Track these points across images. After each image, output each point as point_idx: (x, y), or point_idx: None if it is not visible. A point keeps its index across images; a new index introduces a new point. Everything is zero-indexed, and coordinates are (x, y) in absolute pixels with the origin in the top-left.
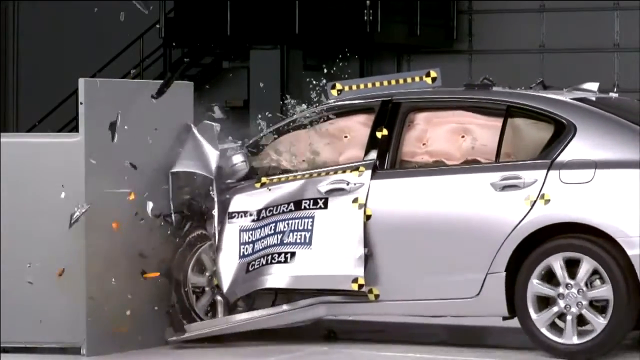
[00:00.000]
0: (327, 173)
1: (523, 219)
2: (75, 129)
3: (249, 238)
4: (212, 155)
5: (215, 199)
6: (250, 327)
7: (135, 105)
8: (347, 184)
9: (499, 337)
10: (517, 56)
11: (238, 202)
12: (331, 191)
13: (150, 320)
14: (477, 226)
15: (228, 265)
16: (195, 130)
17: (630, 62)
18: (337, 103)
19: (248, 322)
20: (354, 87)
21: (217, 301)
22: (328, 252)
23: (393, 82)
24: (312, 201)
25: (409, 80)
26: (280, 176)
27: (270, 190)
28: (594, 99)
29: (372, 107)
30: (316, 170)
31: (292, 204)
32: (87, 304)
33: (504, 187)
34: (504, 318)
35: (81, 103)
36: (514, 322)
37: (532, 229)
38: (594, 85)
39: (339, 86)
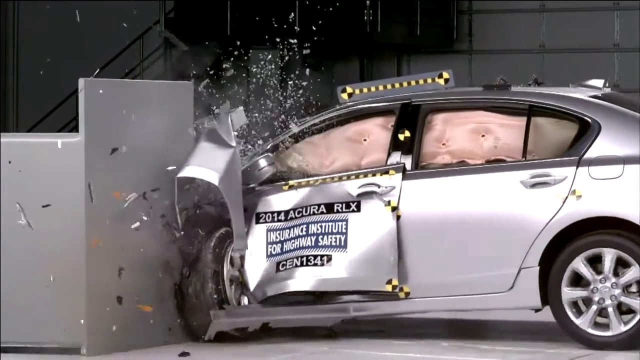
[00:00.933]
0: (357, 176)
1: (555, 214)
2: (75, 129)
3: (276, 238)
4: (225, 153)
5: (228, 202)
6: (282, 323)
7: (135, 105)
8: (379, 187)
9: (499, 336)
10: (517, 56)
11: (265, 204)
12: (363, 194)
13: (150, 319)
14: (509, 223)
15: (255, 265)
16: (204, 131)
17: (630, 62)
18: (356, 106)
19: (283, 317)
20: (365, 90)
21: (242, 298)
22: (363, 255)
23: (405, 84)
24: (344, 204)
25: (421, 82)
26: (309, 179)
27: (298, 191)
28: (600, 94)
29: (392, 110)
30: (344, 174)
31: (323, 206)
32: (87, 304)
33: (534, 185)
34: (536, 310)
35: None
36: (515, 321)
37: (566, 223)
38: (599, 82)
39: (349, 89)
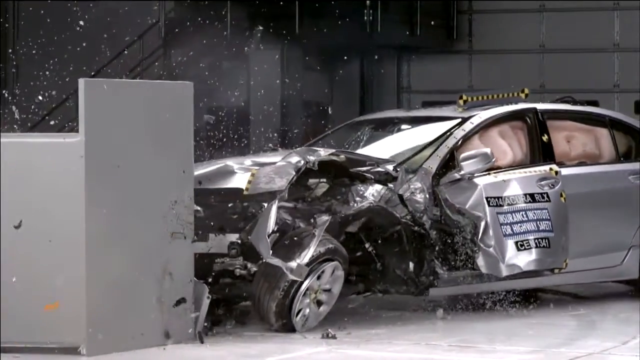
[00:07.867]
0: (535, 171)
1: None
2: (75, 129)
3: (504, 220)
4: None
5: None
6: (476, 290)
7: (134, 105)
8: (554, 181)
9: (499, 336)
10: (517, 56)
11: (488, 190)
12: (546, 187)
13: (150, 319)
14: (625, 210)
15: (498, 243)
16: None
17: (630, 62)
18: (494, 112)
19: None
20: (476, 99)
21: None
22: (558, 238)
23: (505, 95)
24: (540, 195)
25: (511, 95)
26: (503, 171)
27: (505, 181)
28: None
29: (523, 116)
30: (527, 169)
31: (528, 196)
32: (87, 303)
33: (638, 180)
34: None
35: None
36: (515, 322)
37: None
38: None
39: (465, 97)
